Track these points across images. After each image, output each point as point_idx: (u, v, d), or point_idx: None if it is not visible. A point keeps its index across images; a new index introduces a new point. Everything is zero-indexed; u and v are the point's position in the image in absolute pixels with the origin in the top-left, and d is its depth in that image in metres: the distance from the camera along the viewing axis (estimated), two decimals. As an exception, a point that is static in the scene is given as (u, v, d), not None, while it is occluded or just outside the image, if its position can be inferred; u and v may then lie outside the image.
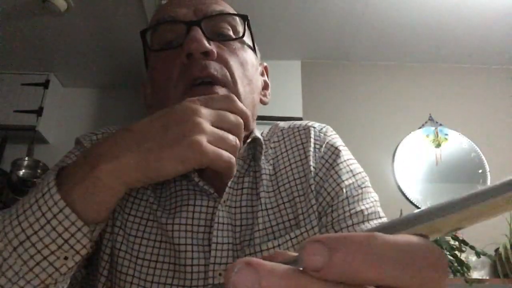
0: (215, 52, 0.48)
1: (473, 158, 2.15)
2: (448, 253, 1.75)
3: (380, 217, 0.50)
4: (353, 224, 0.48)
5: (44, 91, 2.37)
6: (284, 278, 0.15)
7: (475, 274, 1.84)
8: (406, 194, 2.07)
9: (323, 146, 0.55)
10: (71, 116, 2.54)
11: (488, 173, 2.11)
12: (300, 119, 2.08)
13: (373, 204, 0.51)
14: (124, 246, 0.46)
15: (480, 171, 2.13)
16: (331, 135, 0.58)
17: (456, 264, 1.72)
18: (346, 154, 0.56)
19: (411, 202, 2.05)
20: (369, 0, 1.93)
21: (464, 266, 1.71)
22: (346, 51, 2.30)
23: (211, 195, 0.48)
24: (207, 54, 0.47)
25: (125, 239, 0.46)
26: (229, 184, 0.49)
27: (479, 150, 2.16)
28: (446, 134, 2.21)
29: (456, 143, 2.19)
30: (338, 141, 0.57)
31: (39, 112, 2.31)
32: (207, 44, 0.47)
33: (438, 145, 2.19)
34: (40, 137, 2.35)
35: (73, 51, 2.27)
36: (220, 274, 0.45)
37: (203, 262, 0.45)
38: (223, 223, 0.47)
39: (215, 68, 0.47)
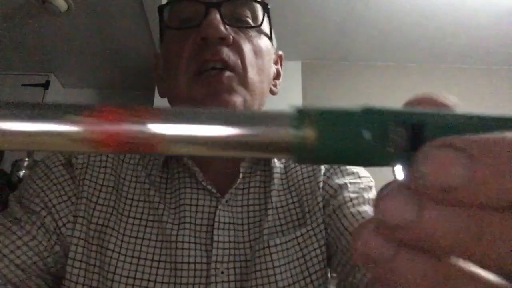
0: (231, 38, 0.47)
1: (473, 158, 2.15)
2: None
3: None
4: (358, 210, 0.47)
5: (44, 92, 2.37)
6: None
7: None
8: (406, 195, 2.07)
9: None
10: (71, 116, 2.54)
11: (488, 173, 2.11)
12: (300, 119, 2.07)
13: None
14: (118, 247, 0.45)
15: (480, 171, 2.12)
16: None
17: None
18: None
19: (411, 202, 2.05)
20: (369, 1, 1.93)
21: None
22: (346, 52, 2.29)
23: (214, 195, 0.49)
24: (222, 39, 0.47)
25: (118, 240, 0.46)
26: (234, 185, 0.50)
27: (479, 150, 2.15)
28: (446, 134, 2.21)
29: (456, 143, 2.19)
30: None
31: (39, 112, 2.31)
32: (223, 30, 0.46)
33: (438, 145, 2.19)
34: (40, 137, 2.35)
35: (73, 52, 2.27)
36: (222, 272, 0.44)
37: (205, 261, 0.45)
38: (225, 223, 0.47)
39: (227, 54, 0.47)
